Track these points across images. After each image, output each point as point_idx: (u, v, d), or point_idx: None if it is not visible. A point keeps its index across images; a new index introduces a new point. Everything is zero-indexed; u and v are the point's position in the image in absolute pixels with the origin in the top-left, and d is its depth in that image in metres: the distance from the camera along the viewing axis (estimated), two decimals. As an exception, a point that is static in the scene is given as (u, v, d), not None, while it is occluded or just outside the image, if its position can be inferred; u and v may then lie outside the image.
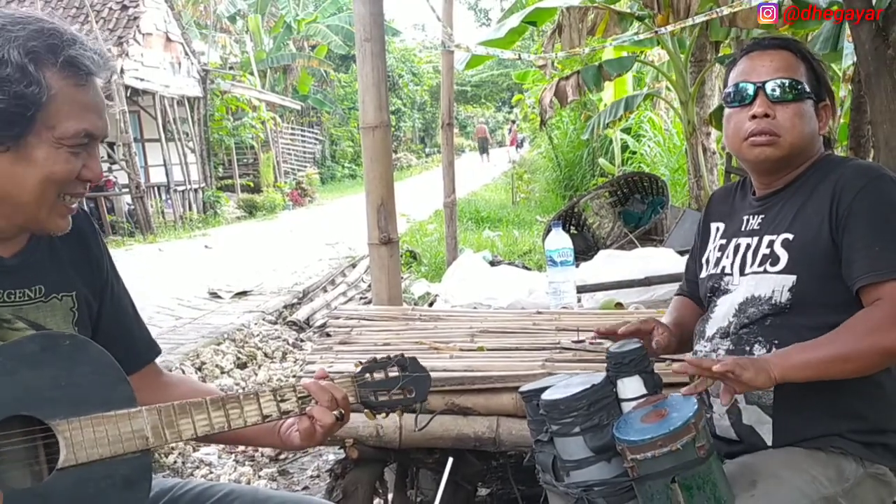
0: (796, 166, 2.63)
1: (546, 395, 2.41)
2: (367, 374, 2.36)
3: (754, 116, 2.57)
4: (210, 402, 2.08)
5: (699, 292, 2.89)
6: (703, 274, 2.84)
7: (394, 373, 2.38)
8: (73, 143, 1.95)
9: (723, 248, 2.77)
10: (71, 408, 1.89)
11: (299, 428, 2.24)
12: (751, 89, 2.59)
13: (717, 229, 2.87)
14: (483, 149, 51.41)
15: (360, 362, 2.40)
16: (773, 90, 2.56)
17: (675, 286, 5.68)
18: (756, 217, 2.70)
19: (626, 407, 2.36)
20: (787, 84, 2.55)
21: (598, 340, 3.30)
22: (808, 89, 2.58)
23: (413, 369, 2.41)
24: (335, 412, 2.24)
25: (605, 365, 2.45)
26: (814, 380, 2.33)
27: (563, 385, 2.45)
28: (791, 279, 2.49)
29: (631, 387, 2.37)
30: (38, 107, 1.89)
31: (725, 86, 2.75)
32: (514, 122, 47.06)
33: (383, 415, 2.38)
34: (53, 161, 1.93)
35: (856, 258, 2.39)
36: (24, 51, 1.87)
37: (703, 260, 2.87)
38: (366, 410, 2.35)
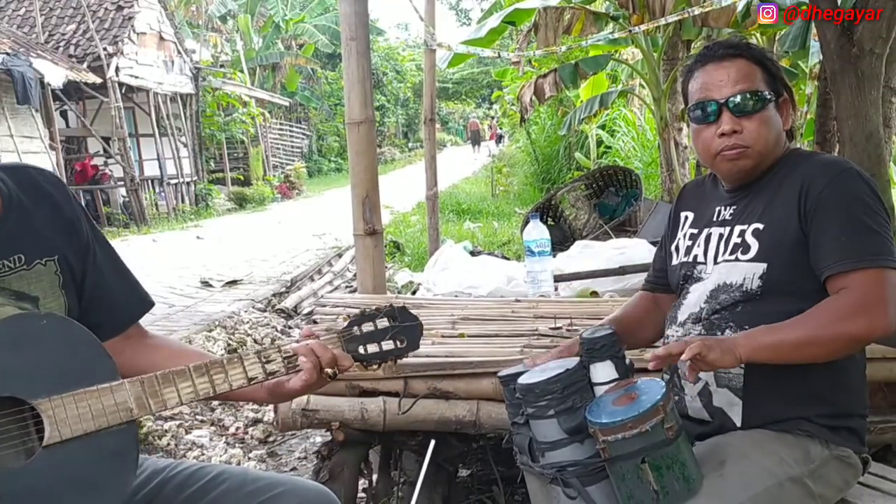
0: (767, 167, 2.62)
1: (522, 380, 2.41)
2: (355, 328, 2.29)
3: (723, 134, 2.56)
4: (193, 370, 2.04)
5: (670, 280, 2.87)
6: (675, 262, 2.83)
7: (383, 323, 2.31)
8: None
9: (694, 238, 2.76)
10: (53, 386, 1.87)
11: (290, 384, 2.21)
12: (714, 107, 2.57)
13: (686, 218, 2.86)
14: (475, 141, 51.53)
15: (348, 316, 2.35)
16: (737, 105, 2.54)
17: (648, 275, 5.74)
18: (728, 208, 2.69)
19: (599, 391, 2.35)
20: (748, 96, 2.53)
21: (574, 327, 3.29)
22: (767, 95, 2.56)
23: (403, 318, 2.34)
24: (327, 371, 2.21)
25: (579, 350, 2.46)
26: (778, 362, 2.35)
27: (539, 370, 2.44)
28: (761, 267, 2.50)
29: (603, 371, 2.37)
30: None
31: (685, 97, 2.74)
32: (493, 118, 47.14)
33: (375, 366, 2.31)
34: None
35: (823, 248, 2.39)
36: None
37: (673, 248, 2.86)
38: (356, 364, 2.28)
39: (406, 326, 2.34)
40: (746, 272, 2.53)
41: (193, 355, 2.36)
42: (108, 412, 1.92)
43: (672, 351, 2.27)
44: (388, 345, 2.31)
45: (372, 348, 2.30)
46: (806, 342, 2.29)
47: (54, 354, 1.90)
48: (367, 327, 2.31)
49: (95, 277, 2.27)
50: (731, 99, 2.54)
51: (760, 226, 2.54)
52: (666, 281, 2.92)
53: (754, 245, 2.53)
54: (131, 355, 2.05)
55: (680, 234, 2.85)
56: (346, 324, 2.32)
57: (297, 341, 2.25)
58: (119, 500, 1.92)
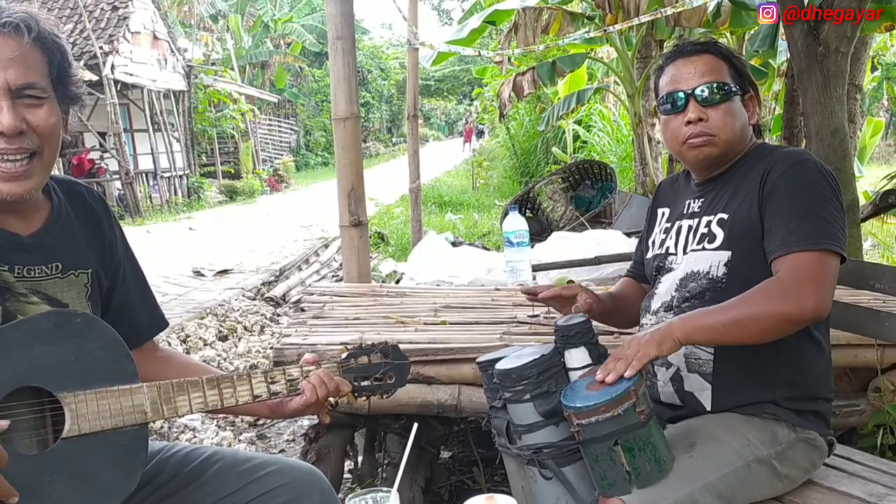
0: (732, 158, 2.64)
1: (500, 365, 2.40)
2: (353, 360, 2.35)
3: (689, 122, 2.58)
4: (206, 382, 2.07)
5: (645, 272, 2.90)
6: (649, 255, 2.84)
7: (377, 359, 2.37)
8: None
9: (667, 231, 2.78)
10: (78, 381, 1.87)
11: (291, 405, 2.26)
12: (682, 97, 2.59)
13: (663, 214, 2.87)
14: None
15: (347, 347, 2.39)
16: (703, 95, 2.56)
17: (622, 264, 5.74)
18: (697, 201, 2.71)
19: (573, 375, 2.35)
20: (714, 87, 2.56)
21: (552, 315, 3.26)
22: (733, 88, 2.59)
23: (395, 356, 2.41)
24: (330, 401, 2.28)
25: (554, 337, 2.46)
26: (715, 343, 2.39)
27: (516, 356, 2.44)
28: (726, 255, 2.51)
29: (577, 357, 2.36)
30: None
31: (656, 93, 2.76)
32: (469, 114, 47.24)
33: (364, 398, 2.37)
34: None
35: (771, 233, 2.41)
36: None
37: (650, 242, 2.87)
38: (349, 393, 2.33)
39: (397, 365, 2.41)
40: (712, 260, 2.54)
41: (199, 368, 2.41)
42: (125, 413, 1.93)
43: (622, 374, 2.21)
44: (378, 380, 2.38)
45: (364, 381, 2.36)
46: (738, 322, 2.29)
47: (83, 351, 1.91)
48: (363, 360, 2.37)
49: (121, 294, 2.32)
50: (698, 90, 2.57)
51: (725, 216, 2.56)
52: (644, 272, 2.93)
53: (720, 234, 2.55)
54: (142, 366, 2.05)
55: (657, 230, 2.86)
56: (345, 355, 2.36)
57: (301, 366, 2.28)
58: (124, 496, 1.92)
